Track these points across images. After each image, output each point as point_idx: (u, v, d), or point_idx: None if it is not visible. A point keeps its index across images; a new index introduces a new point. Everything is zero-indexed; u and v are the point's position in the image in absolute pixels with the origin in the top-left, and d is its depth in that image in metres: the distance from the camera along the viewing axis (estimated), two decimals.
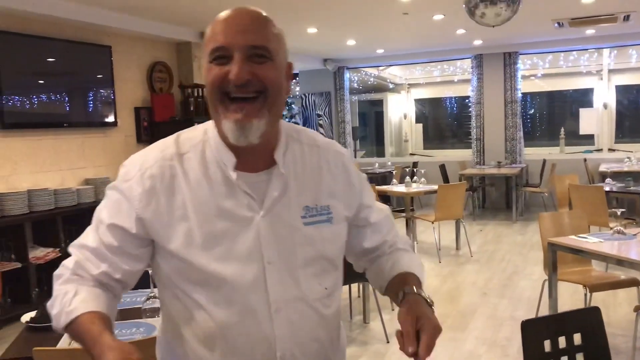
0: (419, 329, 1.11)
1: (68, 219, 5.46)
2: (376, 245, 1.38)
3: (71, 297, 1.13)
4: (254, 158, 1.18)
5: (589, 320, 2.14)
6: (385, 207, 1.43)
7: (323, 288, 1.23)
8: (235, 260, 1.14)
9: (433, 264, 6.69)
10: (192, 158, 1.18)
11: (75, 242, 1.22)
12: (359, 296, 4.77)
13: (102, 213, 1.19)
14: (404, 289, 1.21)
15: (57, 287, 1.18)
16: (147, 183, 1.15)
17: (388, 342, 4.27)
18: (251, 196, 1.16)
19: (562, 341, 2.11)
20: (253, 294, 1.15)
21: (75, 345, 2.23)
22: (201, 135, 1.21)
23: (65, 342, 2.29)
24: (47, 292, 5.04)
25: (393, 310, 4.97)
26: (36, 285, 5.16)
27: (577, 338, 2.14)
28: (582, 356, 2.13)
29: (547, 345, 2.08)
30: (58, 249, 5.33)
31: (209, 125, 1.22)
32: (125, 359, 1.00)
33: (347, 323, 4.71)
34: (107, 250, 1.17)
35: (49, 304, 1.18)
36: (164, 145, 1.21)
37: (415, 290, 1.21)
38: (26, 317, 2.51)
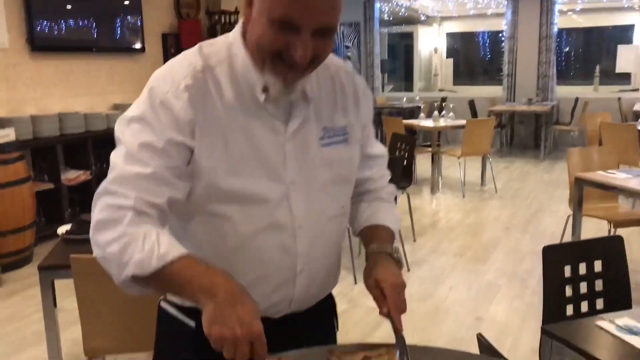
0: (382, 290, 1.15)
1: (98, 142, 5.57)
2: (364, 178, 1.38)
3: (155, 239, 1.03)
4: None
5: (610, 249, 2.16)
6: (384, 149, 1.44)
7: (340, 206, 1.27)
8: (261, 179, 1.15)
9: (457, 199, 6.70)
10: (222, 73, 1.14)
11: (118, 175, 1.08)
12: None
13: (145, 135, 1.08)
14: (370, 245, 1.26)
15: (125, 229, 1.03)
16: (184, 95, 1.09)
17: (409, 270, 4.36)
18: (277, 118, 1.16)
19: (582, 268, 2.14)
20: (279, 211, 1.17)
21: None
22: (226, 51, 1.17)
23: None
24: (80, 212, 5.23)
25: (415, 241, 5.05)
26: (68, 205, 5.33)
27: (597, 265, 2.16)
28: (602, 283, 2.16)
29: (567, 271, 2.11)
30: (89, 172, 5.48)
31: (233, 41, 1.17)
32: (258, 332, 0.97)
33: None
34: (167, 173, 1.08)
35: (112, 251, 1.03)
36: (191, 57, 1.15)
37: (377, 248, 1.24)
38: (62, 230, 2.62)
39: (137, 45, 6.54)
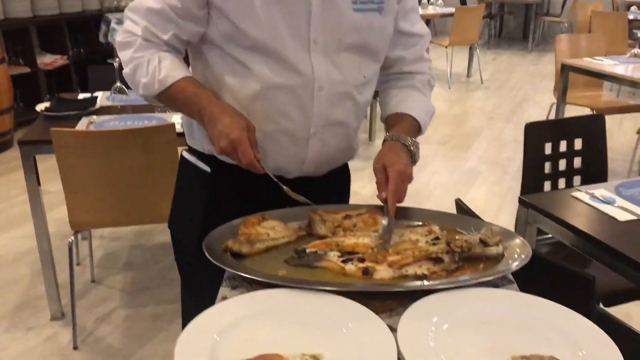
0: (387, 175, 1.13)
1: (73, 26, 5.35)
2: (397, 57, 1.32)
3: (157, 63, 1.16)
4: None
5: (591, 127, 2.18)
6: (426, 29, 1.36)
7: (362, 76, 1.24)
8: (285, 32, 1.13)
9: (443, 89, 6.65)
10: None
11: (135, 5, 1.19)
12: (365, 117, 4.80)
13: None
14: (390, 133, 1.22)
15: (132, 54, 1.18)
16: None
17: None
18: None
19: (563, 145, 2.16)
20: (300, 66, 1.15)
21: (92, 128, 2.32)
22: None
23: (82, 126, 2.36)
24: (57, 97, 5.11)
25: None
26: (46, 90, 5.21)
27: (577, 144, 2.19)
28: (580, 161, 2.20)
29: (547, 148, 2.13)
30: (66, 56, 5.30)
31: None
32: (249, 124, 1.09)
33: None
34: (173, 12, 1.15)
35: (127, 72, 1.19)
36: None
37: (395, 136, 1.20)
38: (41, 107, 2.57)
39: None
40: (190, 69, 1.25)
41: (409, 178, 1.16)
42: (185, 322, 1.41)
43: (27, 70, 4.96)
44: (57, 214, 3.12)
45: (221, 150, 1.09)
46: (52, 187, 3.19)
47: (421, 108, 1.30)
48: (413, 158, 1.21)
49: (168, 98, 1.19)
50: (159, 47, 1.18)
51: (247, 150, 1.07)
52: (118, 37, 1.21)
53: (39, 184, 2.35)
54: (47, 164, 2.40)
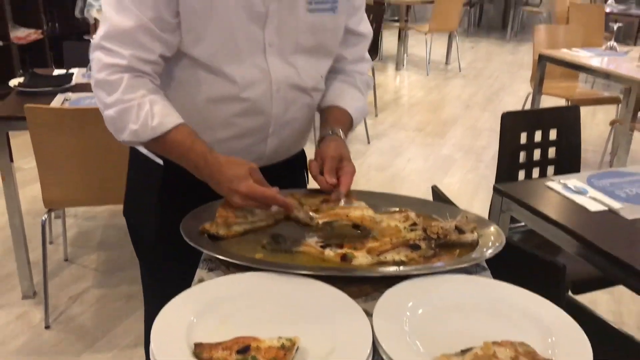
0: (340, 168, 1.13)
1: None
2: (340, 56, 1.31)
3: (149, 108, 1.07)
4: None
5: (566, 118, 2.22)
6: (370, 30, 1.36)
7: (319, 75, 1.25)
8: (240, 37, 1.12)
9: (421, 76, 6.69)
10: None
11: (108, 32, 1.07)
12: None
13: None
14: (333, 129, 1.21)
15: (119, 96, 1.06)
16: None
17: (369, 143, 4.43)
18: None
19: (538, 135, 2.20)
20: (255, 71, 1.15)
21: (67, 105, 2.28)
22: None
23: (57, 103, 2.32)
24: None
25: (377, 116, 5.08)
26: (20, 65, 5.09)
27: (552, 134, 2.23)
28: (554, 151, 2.24)
29: (523, 137, 2.16)
30: (40, 31, 5.18)
31: None
32: (250, 168, 1.04)
33: None
34: (154, 26, 1.06)
35: (111, 115, 1.08)
36: None
37: (342, 133, 1.21)
38: (14, 82, 2.52)
39: None
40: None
41: (342, 158, 1.15)
42: (147, 306, 1.42)
43: (0, 44, 4.84)
44: (30, 192, 3.07)
45: (240, 205, 1.04)
46: (25, 164, 3.15)
47: (358, 106, 1.31)
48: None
49: (158, 145, 1.11)
50: (148, 85, 1.10)
51: (264, 197, 1.03)
52: (97, 74, 1.08)
53: (11, 160, 2.31)
54: (20, 140, 2.36)
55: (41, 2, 5.20)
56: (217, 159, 1.06)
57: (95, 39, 1.09)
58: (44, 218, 2.29)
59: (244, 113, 1.18)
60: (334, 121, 1.24)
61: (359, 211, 1.08)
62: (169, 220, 1.11)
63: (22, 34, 5.06)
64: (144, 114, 1.07)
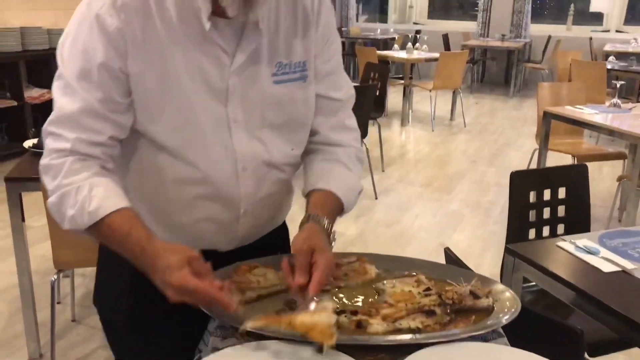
0: (313, 262, 1.00)
1: None
2: (319, 124, 1.20)
3: (87, 192, 0.98)
4: None
5: (574, 176, 2.22)
6: (351, 91, 1.24)
7: (290, 149, 1.17)
8: (202, 116, 1.06)
9: (426, 132, 6.76)
10: None
11: (54, 117, 1.02)
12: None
13: (79, 60, 1.00)
14: (310, 215, 1.10)
15: (60, 181, 1.00)
16: (122, 15, 1.00)
17: (376, 198, 4.44)
18: (223, 49, 1.05)
19: (547, 194, 2.20)
20: (219, 149, 1.08)
21: None
22: None
23: None
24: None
25: (383, 171, 5.11)
26: (32, 124, 5.20)
27: (561, 192, 2.23)
28: (564, 209, 2.24)
29: (532, 196, 2.17)
30: None
31: None
32: (189, 257, 0.92)
33: None
34: (103, 108, 1.01)
35: (53, 201, 1.01)
36: None
37: (320, 219, 1.09)
38: (28, 143, 2.56)
39: None
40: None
41: (333, 270, 1.06)
42: None
43: (14, 103, 4.96)
44: (39, 250, 3.08)
45: (175, 301, 0.91)
46: (35, 222, 3.15)
47: (344, 184, 1.17)
48: (330, 243, 1.10)
49: (99, 234, 1.00)
50: (93, 168, 1.02)
51: (196, 291, 0.89)
52: (42, 160, 1.03)
53: (23, 220, 2.32)
54: (30, 198, 2.38)
55: (54, 62, 5.35)
56: (154, 246, 0.95)
57: (45, 124, 1.04)
58: (53, 279, 2.28)
59: (210, 195, 1.11)
60: (313, 207, 1.13)
61: (308, 317, 0.92)
62: (140, 308, 1.08)
63: (35, 94, 5.19)
64: (82, 198, 0.98)
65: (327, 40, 1.17)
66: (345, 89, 1.22)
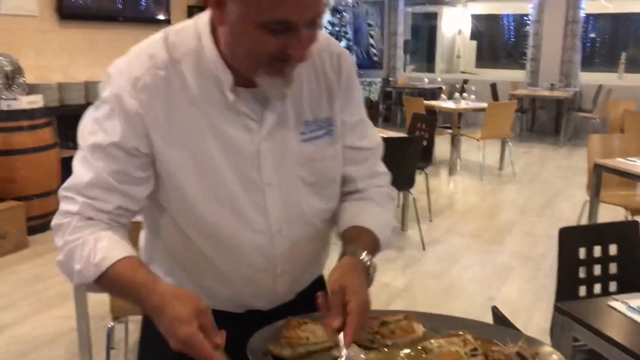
0: (346, 303, 0.98)
1: None
2: (350, 174, 1.22)
3: (93, 245, 1.00)
4: None
5: (626, 233, 2.19)
6: (377, 139, 1.27)
7: (324, 205, 1.18)
8: (233, 183, 1.08)
9: (475, 181, 6.72)
10: (187, 68, 1.05)
11: (69, 182, 1.05)
12: (398, 206, 4.90)
13: (96, 136, 1.03)
14: (346, 248, 1.10)
15: (67, 237, 1.02)
16: (142, 96, 1.02)
17: (424, 249, 4.42)
18: (249, 116, 1.07)
19: (597, 250, 2.17)
20: (254, 215, 1.10)
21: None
22: (194, 42, 1.06)
23: None
24: None
25: (431, 221, 5.09)
26: None
27: (612, 249, 2.20)
28: (616, 266, 2.20)
29: (582, 252, 2.15)
30: None
31: (202, 29, 1.07)
32: (198, 310, 0.91)
33: None
34: (113, 179, 1.03)
35: (61, 259, 1.04)
36: (152, 49, 1.06)
37: (356, 251, 1.08)
38: None
39: (162, 17, 6.59)
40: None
41: (369, 309, 1.03)
42: None
43: None
44: (94, 296, 3.18)
45: (176, 349, 0.91)
46: None
47: (379, 221, 1.19)
48: (369, 279, 1.08)
49: (107, 285, 1.00)
50: (99, 226, 1.03)
51: (200, 353, 0.89)
52: (52, 220, 1.06)
53: None
54: None
55: None
56: (161, 290, 0.94)
57: (60, 189, 1.08)
58: (110, 325, 2.37)
59: (246, 261, 1.13)
60: (348, 241, 1.12)
61: None
62: None
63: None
64: (87, 251, 0.99)
65: (351, 93, 1.20)
66: (372, 137, 1.25)
